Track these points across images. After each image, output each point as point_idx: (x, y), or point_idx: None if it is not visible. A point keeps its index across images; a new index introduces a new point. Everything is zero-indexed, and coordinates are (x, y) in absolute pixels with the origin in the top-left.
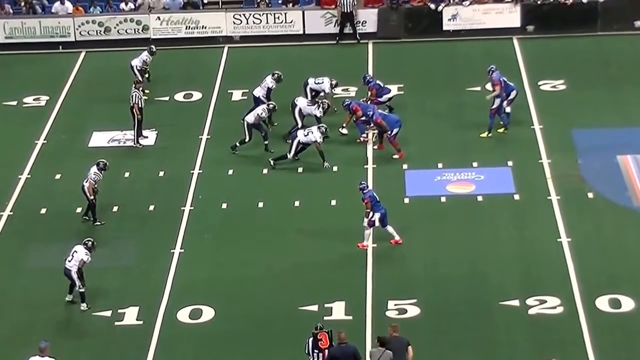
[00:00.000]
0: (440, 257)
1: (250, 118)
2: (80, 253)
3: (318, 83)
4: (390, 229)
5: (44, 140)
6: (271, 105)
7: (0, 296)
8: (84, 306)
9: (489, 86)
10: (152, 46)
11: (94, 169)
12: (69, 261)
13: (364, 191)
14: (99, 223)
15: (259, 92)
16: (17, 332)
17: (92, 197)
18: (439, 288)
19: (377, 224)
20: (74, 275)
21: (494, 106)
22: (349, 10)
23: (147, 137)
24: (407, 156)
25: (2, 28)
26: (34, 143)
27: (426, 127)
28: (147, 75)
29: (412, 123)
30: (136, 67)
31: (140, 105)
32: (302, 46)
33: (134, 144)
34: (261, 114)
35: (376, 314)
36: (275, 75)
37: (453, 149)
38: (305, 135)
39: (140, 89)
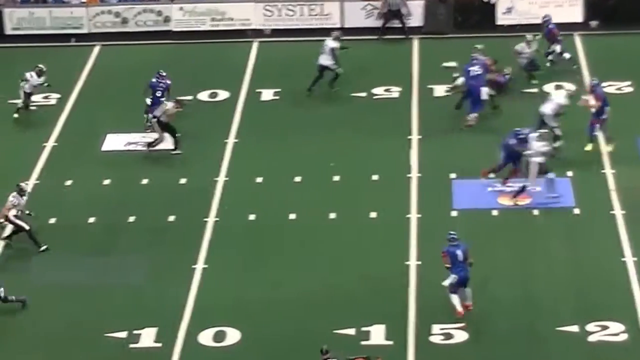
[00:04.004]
0: (490, 277)
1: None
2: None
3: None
4: (466, 291)
5: (54, 142)
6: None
7: (4, 314)
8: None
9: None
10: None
11: (13, 194)
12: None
13: (451, 244)
14: (43, 248)
15: (326, 60)
16: (21, 353)
17: (22, 224)
18: (488, 311)
19: (449, 286)
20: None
21: (603, 117)
22: (396, 8)
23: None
24: (456, 164)
25: (9, 18)
26: (42, 146)
27: (477, 133)
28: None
29: (460, 126)
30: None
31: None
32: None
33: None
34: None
35: (419, 339)
36: (334, 34)
37: None
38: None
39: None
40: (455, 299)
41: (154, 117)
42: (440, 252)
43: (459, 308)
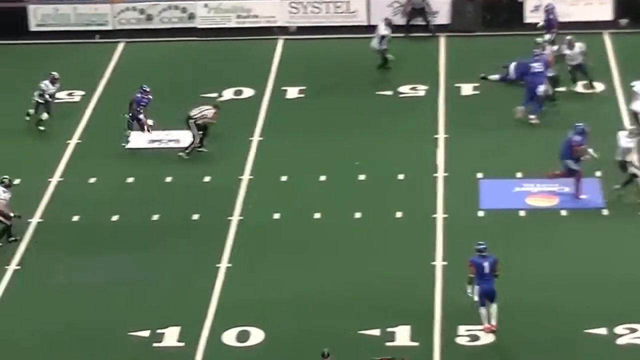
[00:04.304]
0: (517, 279)
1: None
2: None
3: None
4: (492, 308)
5: (78, 139)
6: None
7: (24, 314)
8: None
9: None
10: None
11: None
12: None
13: (479, 255)
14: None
15: (375, 44)
16: (43, 354)
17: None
18: (515, 313)
19: (475, 297)
20: None
21: None
22: (420, 7)
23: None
24: (483, 164)
25: (33, 15)
26: (65, 143)
27: (504, 131)
28: None
29: (487, 126)
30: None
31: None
32: (365, 39)
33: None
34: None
35: (445, 340)
36: (386, 20)
37: (534, 157)
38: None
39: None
40: (482, 313)
41: (191, 118)
42: (467, 259)
43: (486, 323)
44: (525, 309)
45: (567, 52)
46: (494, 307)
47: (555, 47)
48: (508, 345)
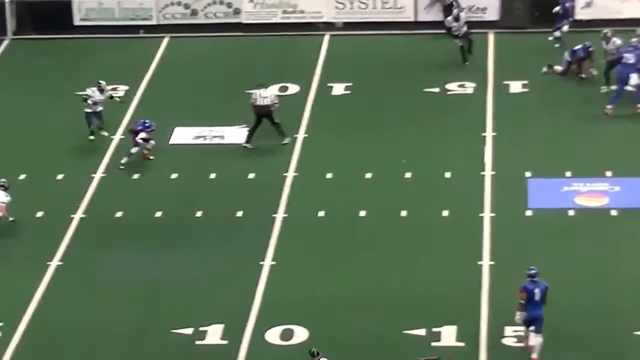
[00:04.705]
0: (565, 280)
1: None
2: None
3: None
4: (536, 340)
5: (121, 135)
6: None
7: (66, 311)
8: None
9: None
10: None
11: (1, 192)
12: None
13: (530, 281)
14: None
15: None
16: (84, 350)
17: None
18: (563, 314)
19: (520, 322)
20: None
21: None
22: (448, 2)
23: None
24: (531, 163)
25: (77, 9)
26: (109, 138)
27: (553, 130)
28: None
29: (536, 123)
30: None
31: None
32: (412, 35)
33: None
34: None
35: (492, 341)
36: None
37: (584, 155)
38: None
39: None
40: (525, 332)
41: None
42: (514, 258)
43: (528, 342)
44: (573, 310)
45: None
46: (538, 340)
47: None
48: (557, 346)
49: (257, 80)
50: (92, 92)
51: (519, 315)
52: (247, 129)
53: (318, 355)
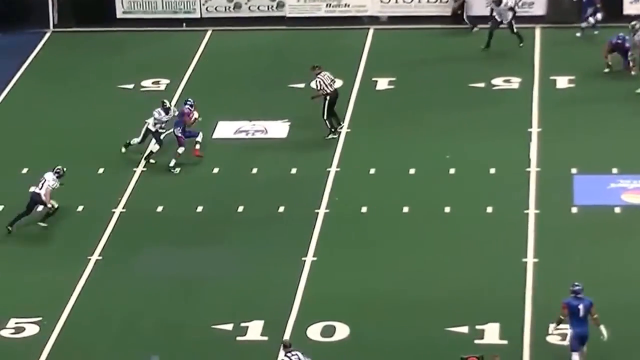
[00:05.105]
0: (611, 278)
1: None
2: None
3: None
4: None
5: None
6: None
7: (107, 305)
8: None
9: None
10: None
11: (52, 175)
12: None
13: (574, 297)
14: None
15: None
16: (123, 345)
17: (50, 206)
18: (609, 312)
19: (566, 342)
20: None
21: None
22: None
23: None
24: (577, 159)
25: (120, 2)
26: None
27: (599, 125)
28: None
29: (582, 119)
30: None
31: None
32: (458, 29)
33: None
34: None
35: (535, 338)
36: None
37: (631, 152)
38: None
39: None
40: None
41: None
42: (559, 256)
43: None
44: (618, 308)
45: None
46: (583, 349)
47: None
48: (601, 345)
49: (299, 74)
50: (158, 113)
51: (552, 328)
52: (289, 123)
53: (290, 347)
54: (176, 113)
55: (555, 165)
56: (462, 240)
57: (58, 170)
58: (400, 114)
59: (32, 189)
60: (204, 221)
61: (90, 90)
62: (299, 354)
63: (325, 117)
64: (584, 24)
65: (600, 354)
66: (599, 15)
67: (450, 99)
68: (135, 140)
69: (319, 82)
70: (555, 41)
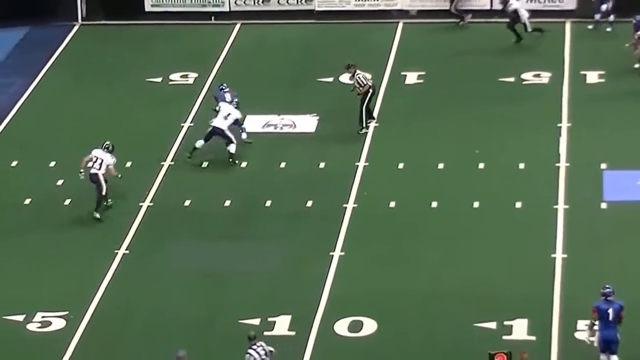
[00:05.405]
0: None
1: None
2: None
3: None
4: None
5: (191, 123)
6: None
7: (133, 299)
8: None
9: None
10: None
11: (107, 154)
12: (97, 168)
13: (605, 300)
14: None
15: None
16: (152, 339)
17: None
18: (638, 310)
19: (595, 343)
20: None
21: None
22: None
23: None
24: (607, 154)
25: None
26: (179, 126)
27: (630, 120)
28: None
29: (612, 115)
30: None
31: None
32: (487, 24)
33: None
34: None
35: (564, 335)
36: None
37: None
38: None
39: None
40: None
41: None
42: (589, 251)
43: None
44: None
45: None
46: (614, 358)
47: None
48: (629, 343)
49: (328, 68)
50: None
51: (586, 336)
52: (317, 117)
53: (255, 339)
54: (235, 100)
55: (585, 161)
56: (491, 236)
57: (107, 146)
58: (429, 108)
59: (92, 170)
60: (231, 216)
61: (118, 83)
62: (263, 344)
63: (364, 113)
64: (597, 16)
65: (630, 352)
66: (610, 4)
67: (480, 94)
68: (199, 144)
69: (359, 78)
70: (586, 36)
